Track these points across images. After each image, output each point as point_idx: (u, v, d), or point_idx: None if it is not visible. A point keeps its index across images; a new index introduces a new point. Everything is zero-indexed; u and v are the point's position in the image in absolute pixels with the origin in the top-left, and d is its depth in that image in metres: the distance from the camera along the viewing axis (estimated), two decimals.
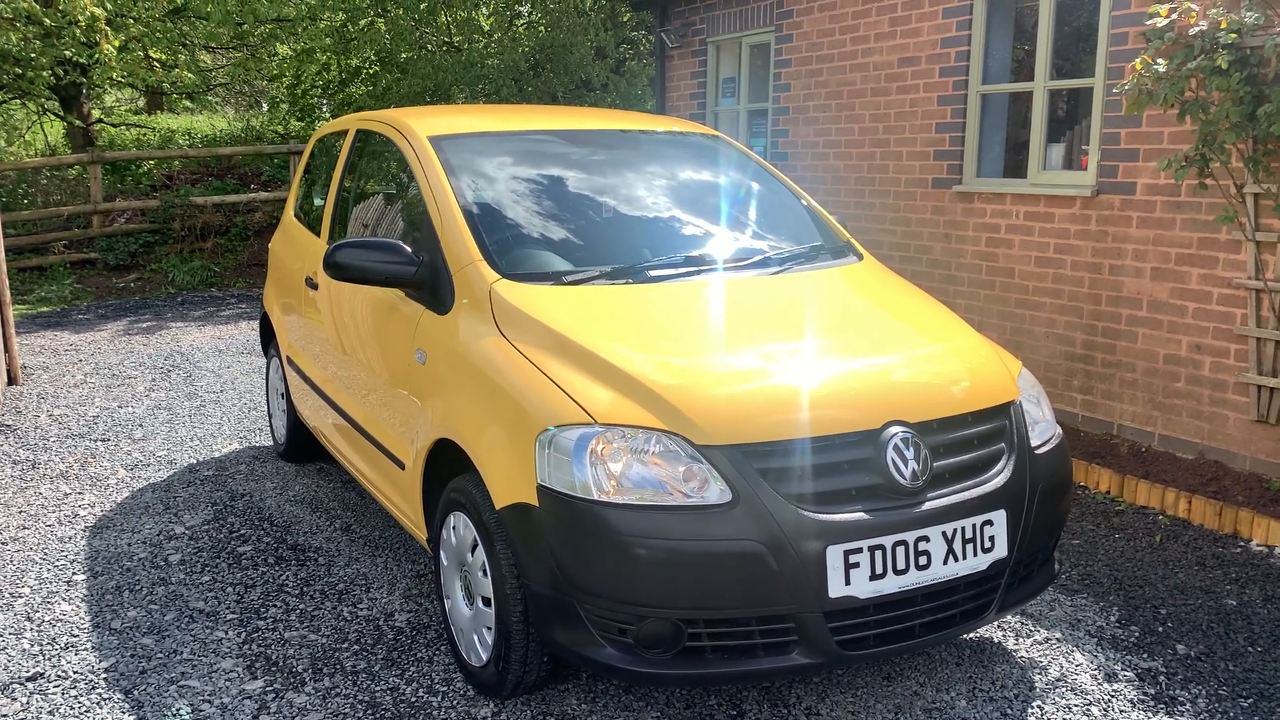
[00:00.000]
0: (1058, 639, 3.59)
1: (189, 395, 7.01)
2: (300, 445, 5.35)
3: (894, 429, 2.89)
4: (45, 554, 4.33)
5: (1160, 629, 3.68)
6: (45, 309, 10.45)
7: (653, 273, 3.49)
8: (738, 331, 3.20)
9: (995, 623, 3.67)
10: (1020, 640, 3.58)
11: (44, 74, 11.94)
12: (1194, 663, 3.45)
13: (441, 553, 3.37)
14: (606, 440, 2.78)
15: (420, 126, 4.06)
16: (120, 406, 6.71)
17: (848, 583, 2.75)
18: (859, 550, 2.75)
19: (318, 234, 4.82)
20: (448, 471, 3.38)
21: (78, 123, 14.19)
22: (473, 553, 3.14)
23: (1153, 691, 3.26)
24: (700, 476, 2.75)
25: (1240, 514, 4.55)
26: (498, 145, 4.04)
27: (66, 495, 5.06)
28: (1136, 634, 3.64)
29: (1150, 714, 3.14)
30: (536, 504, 2.81)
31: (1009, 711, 3.14)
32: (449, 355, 3.33)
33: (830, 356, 3.07)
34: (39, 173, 13.00)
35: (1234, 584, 4.06)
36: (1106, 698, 3.22)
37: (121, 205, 12.37)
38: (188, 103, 22.42)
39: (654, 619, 2.73)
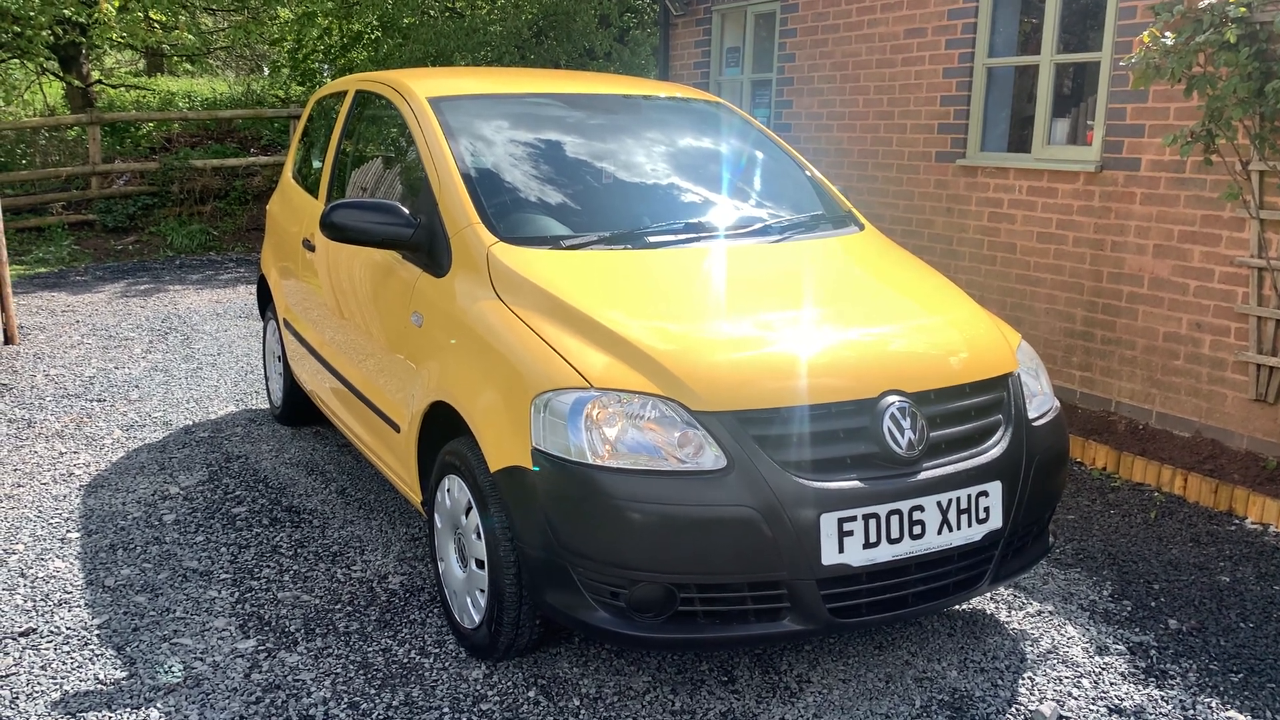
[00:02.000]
0: (1050, 612, 3.60)
1: (186, 358, 7.00)
2: (296, 408, 5.34)
3: (891, 398, 2.88)
4: (40, 512, 4.33)
5: (1153, 604, 3.69)
6: (43, 270, 10.41)
7: (652, 239, 3.47)
8: (736, 299, 3.18)
9: (988, 594, 3.68)
10: (1013, 612, 3.59)
11: (42, 33, 11.83)
12: (1185, 637, 3.45)
13: (436, 515, 3.37)
14: (602, 405, 2.77)
15: (420, 88, 4.02)
16: (117, 368, 6.69)
17: (841, 551, 2.74)
18: (853, 519, 2.75)
19: (316, 196, 4.78)
20: (443, 435, 3.37)
21: (76, 83, 14.09)
22: (467, 515, 3.13)
23: (1143, 665, 3.27)
24: (695, 442, 2.74)
25: (1235, 492, 4.55)
26: (498, 108, 4.00)
27: (62, 454, 5.05)
28: (1129, 608, 3.65)
29: (1141, 687, 3.14)
30: (531, 467, 2.80)
31: (1000, 682, 3.15)
32: (445, 318, 3.31)
33: (828, 325, 3.05)
34: (38, 133, 12.91)
35: (1227, 561, 4.07)
36: (1098, 670, 3.23)
37: (120, 167, 12.29)
38: (188, 66, 22.30)
39: (646, 583, 2.73)
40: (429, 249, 3.51)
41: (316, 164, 4.96)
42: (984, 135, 6.53)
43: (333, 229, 3.48)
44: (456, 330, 3.23)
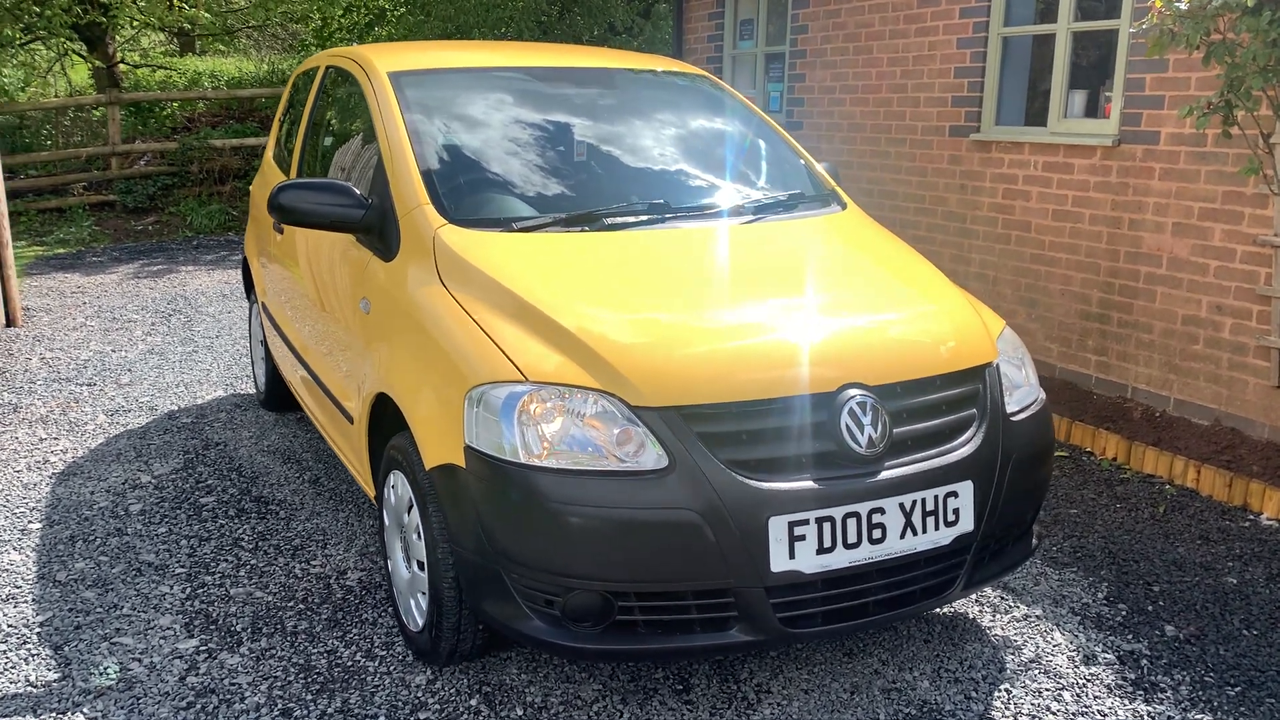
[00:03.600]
0: (1037, 616, 3.38)
1: (184, 340, 6.92)
2: (279, 394, 5.22)
3: (851, 391, 2.67)
4: (6, 501, 4.25)
5: (1150, 608, 3.46)
6: (61, 250, 10.41)
7: (611, 220, 3.27)
8: (692, 285, 2.99)
9: (972, 597, 3.47)
10: (997, 616, 3.38)
11: (61, 14, 11.80)
12: (1182, 646, 3.23)
13: (384, 511, 3.22)
14: (541, 400, 2.60)
15: (381, 62, 3.85)
16: (114, 351, 6.63)
17: (792, 556, 2.56)
18: (804, 522, 2.56)
19: (288, 176, 4.64)
20: (393, 428, 3.21)
21: (99, 63, 14.09)
22: (409, 513, 2.98)
23: (1132, 676, 3.05)
24: (637, 440, 2.55)
25: (1251, 485, 4.28)
26: (461, 82, 3.82)
27: (41, 440, 4.97)
28: (1124, 612, 3.42)
29: (1126, 701, 2.93)
30: (464, 465, 2.63)
31: (973, 694, 2.95)
32: (390, 304, 3.15)
33: (788, 313, 2.85)
34: (62, 114, 12.92)
35: (1237, 560, 3.82)
36: (1081, 682, 3.02)
37: (140, 147, 12.28)
38: (220, 46, 22.30)
39: (582, 590, 2.56)
40: (380, 231, 3.34)
41: (290, 144, 4.81)
42: (999, 108, 6.24)
43: (280, 211, 3.32)
44: (400, 318, 3.07)
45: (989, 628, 3.31)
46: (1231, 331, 4.89)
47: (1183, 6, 4.31)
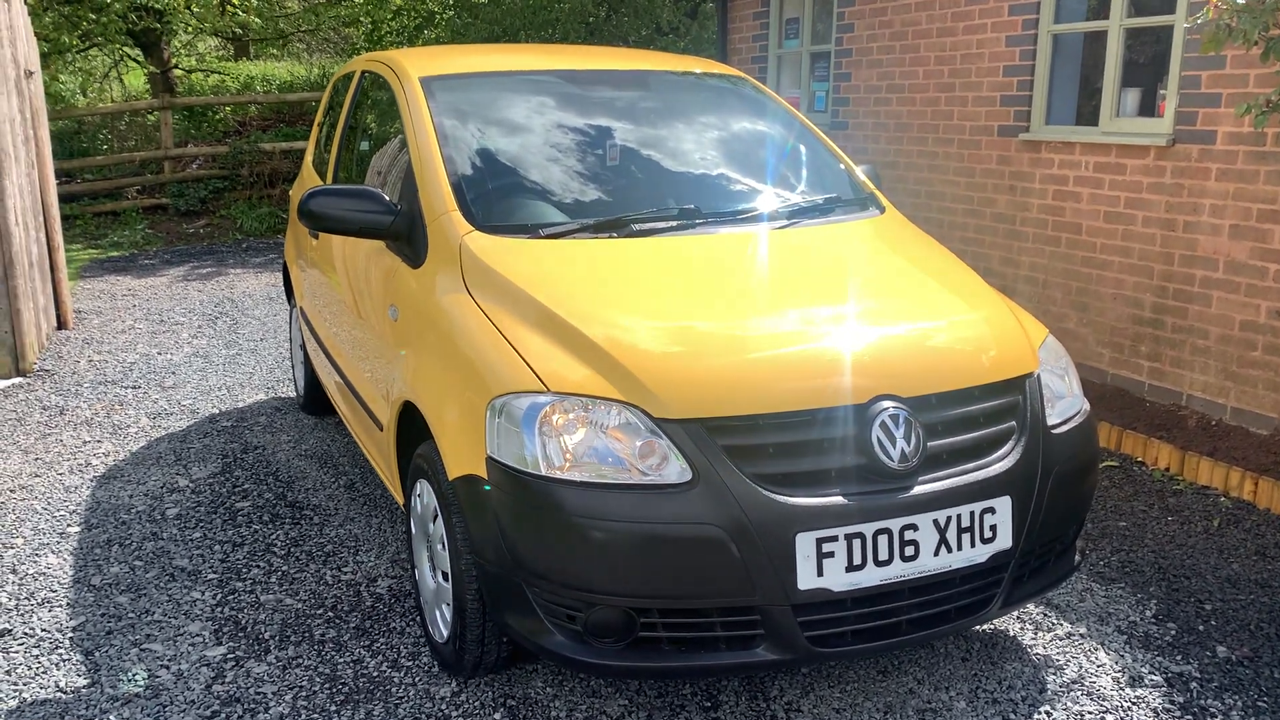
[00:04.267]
0: (1082, 634, 3.26)
1: (229, 343, 6.98)
2: (318, 398, 5.23)
3: (884, 404, 2.59)
4: (48, 504, 4.29)
5: (1201, 627, 3.32)
6: (115, 254, 10.58)
7: (640, 226, 3.21)
8: (720, 293, 2.92)
9: (1014, 615, 3.36)
10: (1039, 634, 3.26)
11: (115, 20, 12.01)
12: (1234, 668, 3.09)
13: (411, 520, 3.19)
14: (563, 410, 2.55)
15: (414, 67, 3.83)
16: (160, 353, 6.70)
17: (820, 574, 2.48)
18: (834, 538, 2.48)
19: (324, 181, 4.64)
20: (420, 435, 3.18)
21: (153, 69, 14.32)
22: (434, 523, 2.95)
23: (1180, 700, 2.93)
24: (660, 453, 2.49)
25: None
26: (493, 86, 3.78)
27: (85, 443, 5.03)
28: (1173, 632, 3.29)
29: None
30: (485, 476, 2.59)
31: (1011, 716, 2.84)
32: (417, 312, 3.12)
33: (819, 322, 2.77)
34: (118, 119, 13.15)
35: None
36: (1126, 705, 2.90)
37: (192, 151, 12.45)
38: (273, 50, 22.59)
39: (604, 606, 2.51)
40: (408, 238, 3.32)
41: (328, 149, 4.82)
42: (1049, 108, 6.08)
43: (310, 218, 3.31)
44: (426, 326, 3.04)
45: (1030, 646, 3.20)
46: None
47: (1240, 0, 4.15)
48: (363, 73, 4.44)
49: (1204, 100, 5.02)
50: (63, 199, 10.63)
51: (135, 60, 15.49)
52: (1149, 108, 5.71)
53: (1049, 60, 6.03)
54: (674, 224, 3.24)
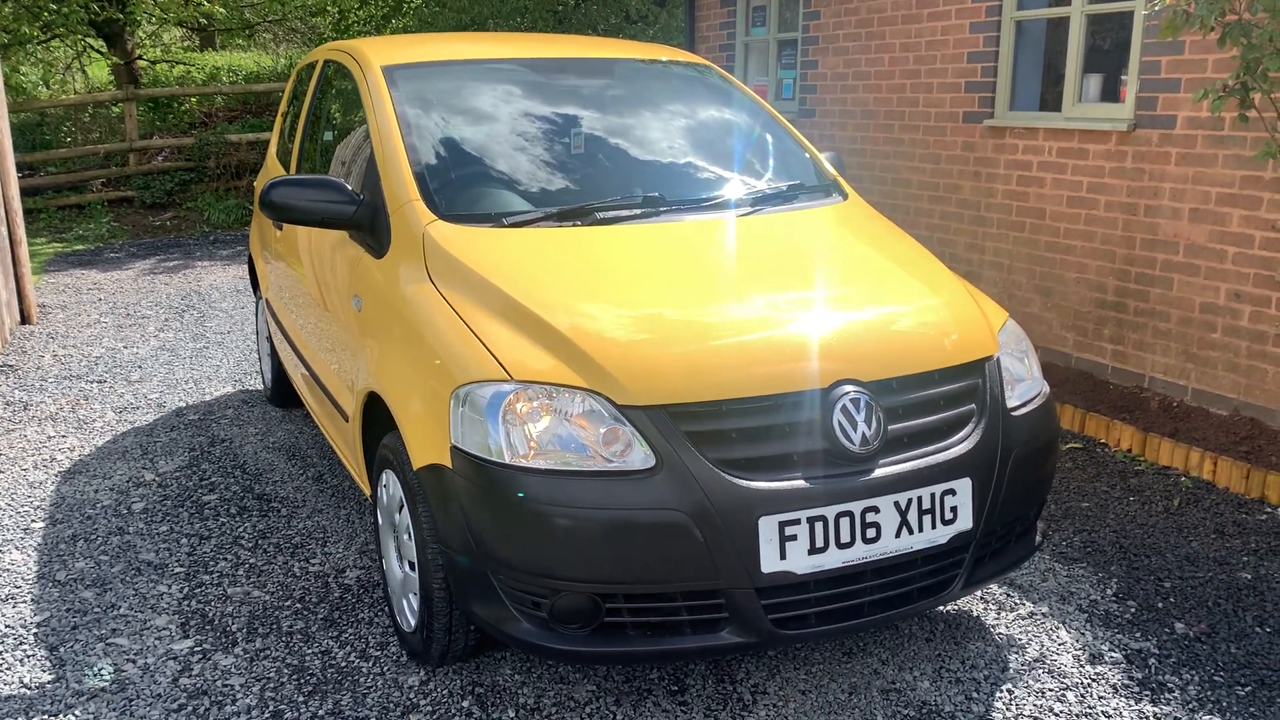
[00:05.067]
0: (1044, 614, 3.31)
1: (195, 336, 6.93)
2: (285, 390, 5.21)
3: (845, 388, 2.61)
4: (12, 500, 4.25)
5: (1160, 604, 3.38)
6: (80, 247, 10.46)
7: (604, 214, 3.22)
8: (683, 280, 2.93)
9: (977, 595, 3.40)
10: (1002, 614, 3.31)
11: (77, 10, 11.85)
12: (1191, 644, 3.15)
13: (378, 511, 3.19)
14: (527, 399, 2.55)
15: (376, 56, 3.81)
16: (126, 347, 6.64)
17: (783, 557, 2.50)
18: (796, 522, 2.50)
19: (289, 172, 4.62)
20: (385, 426, 3.18)
21: (117, 60, 14.15)
22: (400, 513, 2.95)
23: (1139, 676, 2.98)
24: (624, 439, 2.51)
25: (1269, 477, 4.19)
26: (457, 75, 3.77)
27: (50, 438, 4.99)
28: (1133, 609, 3.35)
29: (1132, 702, 2.86)
30: (450, 466, 2.60)
31: (974, 695, 2.88)
32: (380, 302, 3.12)
33: (781, 308, 2.79)
34: (81, 111, 12.99)
35: (1252, 555, 3.73)
36: (1086, 682, 2.95)
37: (157, 143, 12.33)
38: (239, 40, 22.36)
39: (569, 593, 2.52)
40: (371, 227, 3.31)
41: (291, 139, 4.79)
42: (1013, 94, 6.13)
43: (272, 209, 3.29)
44: (390, 316, 3.04)
45: (993, 626, 3.24)
46: (1250, 319, 4.78)
47: None
48: (325, 62, 4.41)
49: (1164, 85, 5.08)
50: (26, 192, 10.51)
51: (98, 51, 15.29)
52: (1111, 93, 5.77)
53: (1012, 47, 6.07)
54: (638, 212, 3.25)
